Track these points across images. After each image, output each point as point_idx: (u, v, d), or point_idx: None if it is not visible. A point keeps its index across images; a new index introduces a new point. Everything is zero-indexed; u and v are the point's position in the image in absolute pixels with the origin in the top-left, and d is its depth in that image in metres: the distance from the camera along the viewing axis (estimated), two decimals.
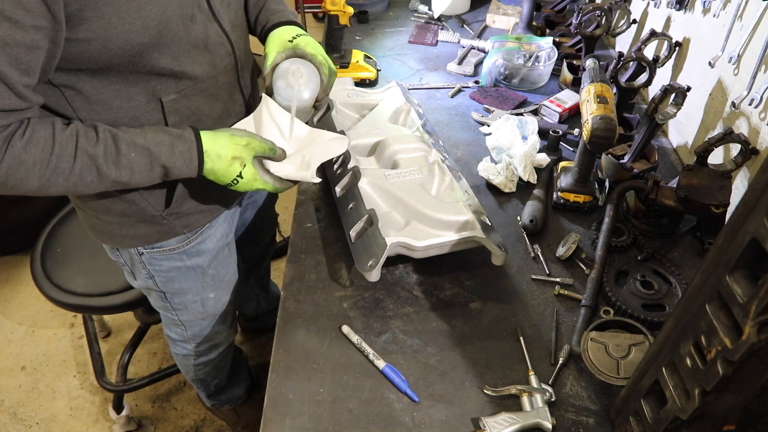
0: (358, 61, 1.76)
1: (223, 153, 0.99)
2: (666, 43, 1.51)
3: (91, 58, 0.86)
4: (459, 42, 2.04)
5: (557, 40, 1.90)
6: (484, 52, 1.92)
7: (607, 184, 1.39)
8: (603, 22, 1.65)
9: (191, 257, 1.24)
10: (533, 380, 1.01)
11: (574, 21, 1.68)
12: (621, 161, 1.35)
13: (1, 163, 0.84)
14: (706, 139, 1.21)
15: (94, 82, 0.91)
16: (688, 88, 1.27)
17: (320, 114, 1.26)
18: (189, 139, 0.97)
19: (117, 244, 1.19)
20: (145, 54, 0.89)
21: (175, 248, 1.20)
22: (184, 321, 1.40)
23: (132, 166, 0.93)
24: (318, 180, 1.07)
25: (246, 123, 1.09)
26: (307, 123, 1.13)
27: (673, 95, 1.28)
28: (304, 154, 1.08)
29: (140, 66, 0.91)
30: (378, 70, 1.79)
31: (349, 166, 1.27)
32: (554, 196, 1.37)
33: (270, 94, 1.09)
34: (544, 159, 1.44)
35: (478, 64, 1.89)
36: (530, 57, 1.80)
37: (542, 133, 1.52)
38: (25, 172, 0.86)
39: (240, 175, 1.01)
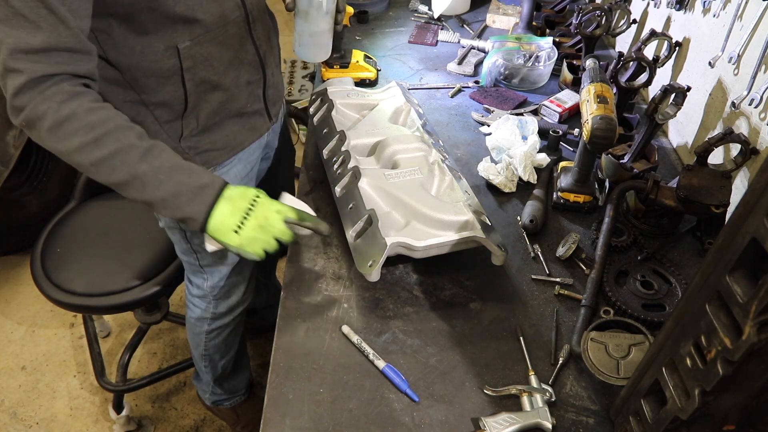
0: (358, 61, 1.76)
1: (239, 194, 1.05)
2: (666, 43, 1.51)
3: (119, 2, 0.98)
4: (459, 42, 2.04)
5: (557, 40, 1.90)
6: (484, 52, 1.92)
7: (607, 184, 1.39)
8: (603, 22, 1.65)
9: None
10: (533, 380, 1.01)
11: (574, 21, 1.68)
12: (621, 161, 1.35)
13: (61, 109, 0.91)
14: (706, 139, 1.21)
15: (121, 28, 1.03)
16: (688, 88, 1.27)
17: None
18: (215, 185, 1.03)
19: None
20: (162, 0, 1.01)
21: None
22: (205, 266, 1.46)
23: (158, 174, 0.98)
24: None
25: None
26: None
27: (673, 95, 1.28)
28: None
29: (159, 12, 1.02)
30: (378, 70, 1.79)
31: (349, 166, 1.27)
32: (554, 196, 1.37)
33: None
34: (544, 159, 1.44)
35: (478, 64, 1.89)
36: (530, 57, 1.80)
37: (542, 133, 1.52)
38: (75, 129, 0.93)
39: (255, 200, 1.05)
